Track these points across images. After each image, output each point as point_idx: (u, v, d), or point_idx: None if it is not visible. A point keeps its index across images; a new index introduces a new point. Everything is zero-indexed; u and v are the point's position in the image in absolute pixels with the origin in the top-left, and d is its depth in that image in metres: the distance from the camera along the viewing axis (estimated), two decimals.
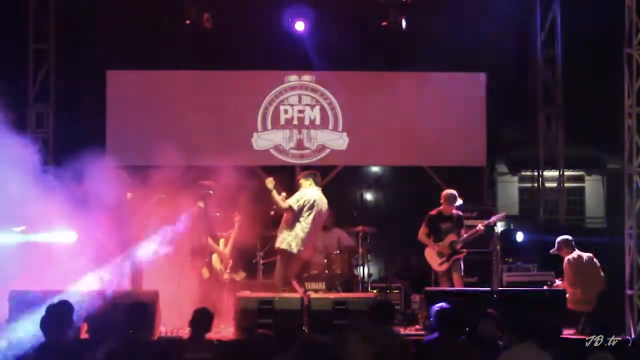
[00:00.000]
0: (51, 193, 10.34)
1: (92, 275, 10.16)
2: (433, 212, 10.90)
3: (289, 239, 10.00)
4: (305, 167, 13.34)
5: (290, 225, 10.02)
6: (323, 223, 10.69)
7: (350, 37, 13.01)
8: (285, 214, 10.08)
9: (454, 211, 10.89)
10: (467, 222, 11.20)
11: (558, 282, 10.58)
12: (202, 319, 7.62)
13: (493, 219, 11.15)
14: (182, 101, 13.04)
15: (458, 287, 10.60)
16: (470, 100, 13.36)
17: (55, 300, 7.24)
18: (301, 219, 10.01)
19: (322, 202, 10.20)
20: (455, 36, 12.99)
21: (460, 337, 7.27)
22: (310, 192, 10.14)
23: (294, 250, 9.99)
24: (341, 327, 8.60)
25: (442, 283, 10.77)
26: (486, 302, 9.28)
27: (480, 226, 10.90)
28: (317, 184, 10.27)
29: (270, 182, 10.04)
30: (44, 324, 6.82)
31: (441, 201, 10.83)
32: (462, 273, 10.84)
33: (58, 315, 6.92)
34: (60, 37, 13.12)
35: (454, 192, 10.87)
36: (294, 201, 10.03)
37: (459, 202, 10.86)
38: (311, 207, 10.04)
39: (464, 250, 10.78)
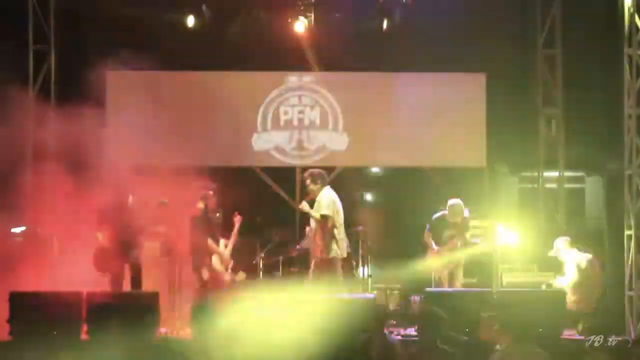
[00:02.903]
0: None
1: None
2: (436, 216, 10.85)
3: (334, 247, 10.16)
4: (305, 168, 13.36)
5: (331, 232, 10.15)
6: None
7: (350, 37, 13.00)
8: (320, 223, 10.15)
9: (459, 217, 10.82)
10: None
11: (559, 278, 10.51)
12: None
13: (494, 236, 11.14)
14: (182, 101, 13.03)
15: None
16: (470, 101, 13.33)
17: None
18: (337, 223, 10.18)
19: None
20: (455, 36, 12.99)
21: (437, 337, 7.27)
22: (331, 194, 10.27)
23: (343, 254, 10.29)
24: None
25: (441, 287, 10.74)
26: (486, 303, 9.29)
27: (480, 242, 10.87)
28: (327, 183, 10.38)
29: (305, 206, 10.22)
30: None
31: (447, 210, 10.77)
32: (462, 280, 10.81)
33: None
34: (60, 37, 13.11)
35: (459, 202, 10.77)
36: (330, 210, 10.12)
37: (465, 212, 10.76)
38: (339, 208, 10.24)
39: (462, 260, 10.71)
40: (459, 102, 13.32)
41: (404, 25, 13.09)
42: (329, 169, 13.22)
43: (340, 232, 10.22)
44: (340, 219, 10.23)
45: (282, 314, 8.08)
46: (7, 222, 10.74)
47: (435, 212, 10.97)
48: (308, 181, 10.30)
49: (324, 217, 10.07)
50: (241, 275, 10.80)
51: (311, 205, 10.25)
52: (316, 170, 10.53)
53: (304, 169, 13.27)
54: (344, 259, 11.43)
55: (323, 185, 10.32)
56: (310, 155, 13.37)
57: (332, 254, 10.11)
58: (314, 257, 10.28)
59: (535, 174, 14.07)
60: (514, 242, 12.07)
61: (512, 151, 15.53)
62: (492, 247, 11.37)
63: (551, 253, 10.54)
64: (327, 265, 10.15)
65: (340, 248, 10.17)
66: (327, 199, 10.18)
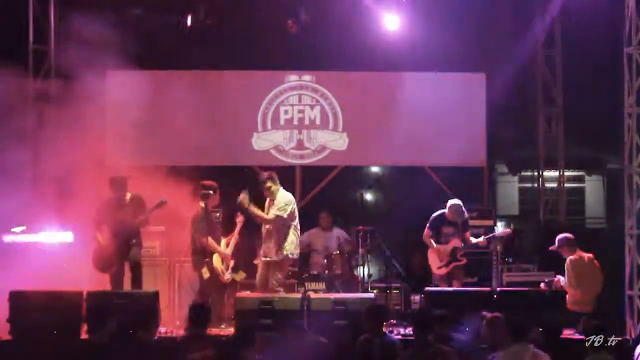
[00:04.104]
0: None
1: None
2: (435, 215, 10.85)
3: (287, 246, 10.18)
4: (305, 168, 13.38)
5: (285, 233, 10.20)
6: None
7: (350, 37, 13.00)
8: (275, 224, 10.16)
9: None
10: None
11: (559, 277, 10.48)
12: (199, 315, 7.60)
13: (498, 233, 11.10)
14: (182, 101, 13.01)
15: None
16: (470, 101, 13.33)
17: None
18: (292, 223, 10.22)
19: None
20: (455, 36, 12.99)
21: (427, 337, 7.27)
22: (287, 194, 10.32)
23: (294, 255, 10.30)
24: None
25: (440, 286, 10.73)
26: (486, 303, 9.29)
27: (483, 239, 10.87)
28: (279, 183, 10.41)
29: (245, 200, 10.07)
30: None
31: (446, 211, 10.77)
32: (463, 280, 10.80)
33: None
34: (60, 37, 13.10)
35: (459, 204, 10.76)
36: (281, 211, 10.13)
37: (465, 213, 10.75)
38: (295, 209, 10.29)
39: (464, 258, 10.72)
40: (459, 102, 13.32)
41: (404, 25, 13.07)
42: (329, 169, 13.27)
43: (295, 233, 10.28)
44: (296, 219, 10.30)
45: None
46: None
47: (435, 212, 10.97)
48: (269, 182, 10.27)
49: (271, 220, 10.14)
50: (241, 275, 10.79)
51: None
52: (271, 172, 10.51)
53: (303, 168, 13.35)
54: (343, 257, 11.49)
55: (278, 185, 10.34)
56: (310, 155, 13.37)
57: (284, 255, 10.18)
58: (264, 258, 10.30)
59: (535, 173, 14.08)
60: (513, 241, 12.07)
61: (512, 151, 15.56)
62: (492, 246, 11.36)
63: (552, 247, 10.50)
64: (278, 266, 10.21)
65: (292, 248, 10.22)
66: (282, 199, 10.23)
